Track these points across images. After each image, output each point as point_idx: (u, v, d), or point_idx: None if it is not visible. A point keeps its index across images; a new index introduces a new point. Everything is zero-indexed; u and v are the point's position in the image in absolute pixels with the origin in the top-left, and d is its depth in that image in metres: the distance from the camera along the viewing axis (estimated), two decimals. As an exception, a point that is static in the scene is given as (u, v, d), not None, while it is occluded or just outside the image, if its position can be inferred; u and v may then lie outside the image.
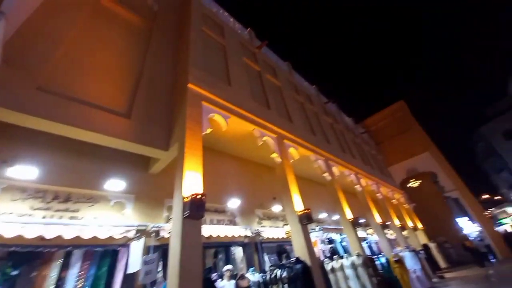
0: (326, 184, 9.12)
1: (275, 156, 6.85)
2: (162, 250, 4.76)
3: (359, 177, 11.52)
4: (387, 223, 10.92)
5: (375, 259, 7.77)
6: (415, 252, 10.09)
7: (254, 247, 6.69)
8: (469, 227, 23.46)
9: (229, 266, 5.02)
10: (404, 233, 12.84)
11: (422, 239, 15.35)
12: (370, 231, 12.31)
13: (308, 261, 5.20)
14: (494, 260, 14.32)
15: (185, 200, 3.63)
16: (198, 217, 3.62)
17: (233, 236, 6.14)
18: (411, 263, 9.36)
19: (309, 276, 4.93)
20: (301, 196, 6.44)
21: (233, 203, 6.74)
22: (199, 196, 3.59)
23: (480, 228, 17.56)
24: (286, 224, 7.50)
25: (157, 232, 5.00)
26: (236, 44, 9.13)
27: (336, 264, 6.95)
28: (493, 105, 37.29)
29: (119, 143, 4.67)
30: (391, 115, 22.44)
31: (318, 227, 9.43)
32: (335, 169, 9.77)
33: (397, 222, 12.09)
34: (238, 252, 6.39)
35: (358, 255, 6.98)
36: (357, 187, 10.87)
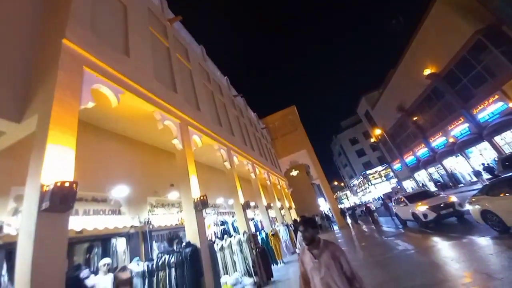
0: (226, 172, 9.79)
1: (177, 142, 6.60)
2: (6, 250, 3.86)
3: (255, 167, 13.13)
4: (271, 205, 13.21)
5: (257, 235, 9.28)
6: (287, 226, 12.87)
7: (142, 236, 6.28)
8: (324, 205, 32.68)
9: (106, 260, 4.49)
10: (282, 212, 15.99)
11: (294, 215, 19.69)
12: (257, 211, 14.46)
13: (198, 244, 5.50)
14: (336, 228, 20.44)
15: (45, 189, 2.89)
16: (64, 210, 2.99)
17: (115, 227, 5.45)
18: (284, 234, 11.93)
19: (197, 257, 5.26)
20: (200, 183, 6.62)
21: (120, 190, 5.95)
22: (67, 184, 2.95)
23: (329, 206, 24.67)
24: (182, 211, 7.51)
25: (-3, 229, 3.71)
26: (142, 8, 7.79)
27: (225, 243, 7.75)
28: (346, 120, 53.98)
29: None
30: (285, 116, 26.71)
31: (214, 211, 10.04)
32: (235, 159, 10.64)
33: (278, 203, 14.85)
34: (120, 243, 5.78)
35: (244, 233, 8.09)
36: (252, 175, 12.37)
